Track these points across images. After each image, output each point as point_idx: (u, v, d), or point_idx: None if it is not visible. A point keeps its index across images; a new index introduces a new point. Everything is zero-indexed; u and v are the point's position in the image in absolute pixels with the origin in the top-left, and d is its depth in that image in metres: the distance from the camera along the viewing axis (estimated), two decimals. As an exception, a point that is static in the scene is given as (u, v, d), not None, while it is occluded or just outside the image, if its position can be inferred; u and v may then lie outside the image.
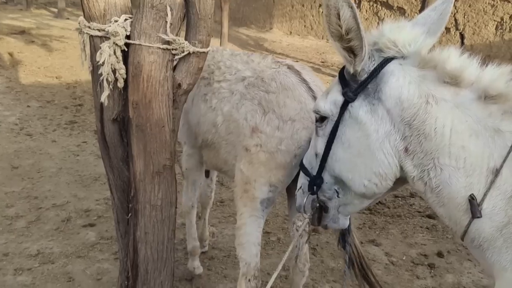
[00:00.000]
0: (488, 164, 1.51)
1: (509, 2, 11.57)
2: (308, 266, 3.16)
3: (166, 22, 2.48)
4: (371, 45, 1.72)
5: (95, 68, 2.62)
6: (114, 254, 3.89)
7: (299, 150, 2.54)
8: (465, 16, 12.28)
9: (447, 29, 12.35)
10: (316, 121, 1.88)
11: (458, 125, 1.55)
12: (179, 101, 2.71)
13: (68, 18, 16.82)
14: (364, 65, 1.68)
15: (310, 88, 2.64)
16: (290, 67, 2.74)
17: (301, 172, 2.05)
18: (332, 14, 1.62)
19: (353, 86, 1.71)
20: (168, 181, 2.73)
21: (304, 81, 2.65)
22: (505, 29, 11.68)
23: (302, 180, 2.04)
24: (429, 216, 4.86)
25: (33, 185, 5.00)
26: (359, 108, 1.70)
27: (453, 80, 1.57)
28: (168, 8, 2.47)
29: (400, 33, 1.66)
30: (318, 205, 1.98)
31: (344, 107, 1.74)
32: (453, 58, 1.58)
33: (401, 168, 1.70)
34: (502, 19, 11.68)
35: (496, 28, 11.74)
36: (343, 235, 2.56)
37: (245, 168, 2.60)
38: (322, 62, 12.55)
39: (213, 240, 4.23)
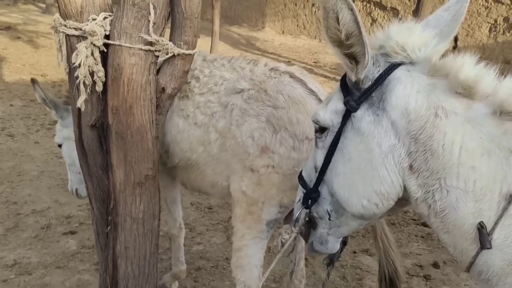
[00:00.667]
0: (500, 188, 1.34)
1: (503, 4, 11.50)
2: (304, 282, 2.99)
3: (149, 21, 2.30)
4: (376, 49, 1.54)
5: (71, 69, 2.43)
6: (95, 265, 3.68)
7: None
8: (459, 18, 12.19)
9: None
10: (316, 131, 1.70)
11: (469, 142, 1.37)
12: (163, 106, 2.53)
13: (56, 14, 16.49)
14: (368, 71, 1.50)
15: (321, 100, 2.42)
16: (291, 75, 2.49)
17: (299, 185, 1.87)
18: (330, 17, 1.44)
19: (356, 95, 1.53)
20: (150, 192, 2.54)
21: (311, 92, 2.43)
22: (499, 31, 11.60)
23: (300, 194, 1.86)
24: (424, 224, 4.71)
25: (12, 189, 4.78)
26: (362, 118, 1.52)
27: (466, 91, 1.39)
28: (151, 6, 2.28)
29: (410, 36, 1.48)
30: (307, 219, 1.79)
31: (345, 117, 1.56)
32: (468, 66, 1.40)
33: (405, 187, 1.52)
34: (495, 21, 11.60)
35: (490, 30, 11.67)
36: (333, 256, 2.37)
37: (250, 190, 2.38)
38: (315, 62, 12.40)
39: (200, 249, 4.05)
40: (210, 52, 10.31)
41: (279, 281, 3.73)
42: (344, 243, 1.95)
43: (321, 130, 1.67)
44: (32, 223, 4.20)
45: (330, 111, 1.62)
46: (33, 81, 3.32)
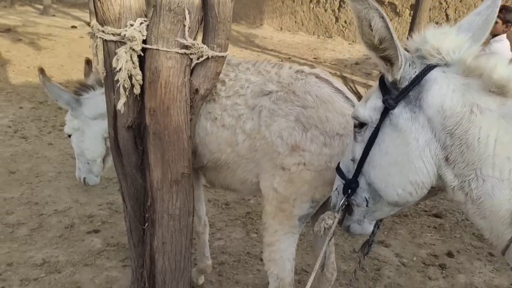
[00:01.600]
0: None
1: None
2: (335, 275, 3.07)
3: (184, 25, 2.40)
4: (413, 51, 1.67)
5: (109, 73, 2.53)
6: (122, 262, 3.79)
7: None
8: (456, 11, 12.34)
9: (438, 24, 12.40)
10: (355, 126, 1.84)
11: (503, 136, 1.50)
12: (196, 106, 2.63)
13: (54, 15, 16.50)
14: (405, 72, 1.64)
15: (347, 98, 2.51)
16: (317, 76, 2.58)
17: (336, 175, 2.00)
18: (364, 25, 1.58)
19: (394, 93, 1.67)
20: (186, 190, 2.65)
21: (338, 90, 2.52)
22: (496, 24, 11.77)
23: (338, 183, 2.00)
24: (436, 215, 4.85)
25: (32, 190, 4.86)
26: (400, 115, 1.66)
27: (499, 90, 1.52)
28: (186, 11, 2.38)
29: (444, 40, 1.60)
30: (346, 203, 1.93)
31: (384, 114, 1.70)
32: (501, 66, 1.53)
33: (440, 177, 1.65)
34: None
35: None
36: (368, 240, 2.50)
37: (282, 187, 2.45)
38: (315, 58, 12.50)
39: (221, 245, 4.16)
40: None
41: (300, 273, 3.85)
42: (377, 226, 2.09)
43: (360, 125, 1.81)
44: (56, 223, 4.29)
45: (369, 108, 1.76)
46: (41, 71, 3.36)
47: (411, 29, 8.81)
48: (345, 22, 14.45)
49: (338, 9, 14.58)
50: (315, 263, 2.04)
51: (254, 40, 14.50)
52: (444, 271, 3.97)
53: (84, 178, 3.59)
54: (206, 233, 3.53)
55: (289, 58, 12.17)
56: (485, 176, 1.52)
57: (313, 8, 15.18)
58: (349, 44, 13.90)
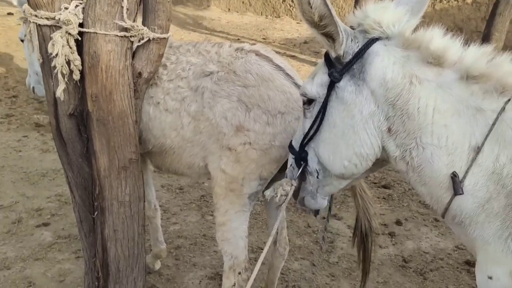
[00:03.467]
0: (470, 142, 1.55)
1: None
2: (288, 249, 3.17)
3: (122, 7, 2.33)
4: (355, 26, 1.71)
5: (45, 60, 2.43)
6: (74, 253, 3.71)
7: None
8: (399, -12, 12.62)
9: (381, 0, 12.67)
10: (304, 103, 1.88)
11: (441, 104, 1.58)
12: (140, 90, 2.58)
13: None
14: (348, 47, 1.68)
15: (288, 75, 2.53)
16: (257, 53, 2.58)
17: (290, 154, 2.04)
18: (303, 2, 1.62)
19: (338, 67, 1.71)
20: (135, 175, 2.61)
21: (278, 67, 2.53)
22: (436, 0, 12.16)
23: (291, 159, 2.05)
24: (385, 187, 5.04)
25: (-26, 186, 4.64)
26: (345, 88, 1.71)
27: (436, 61, 1.59)
28: (124, -8, 2.31)
29: (384, 13, 1.66)
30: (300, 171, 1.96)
31: (330, 88, 1.74)
32: (437, 38, 1.60)
33: (383, 148, 1.72)
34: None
35: (428, -1, 12.17)
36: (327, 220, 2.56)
37: (230, 168, 2.47)
38: (264, 38, 12.49)
39: (177, 229, 4.15)
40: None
41: (256, 251, 3.91)
42: (329, 204, 2.17)
43: (308, 102, 1.85)
44: (2, 219, 4.12)
45: (316, 84, 1.80)
46: None
47: (355, 7, 8.96)
48: (292, 1, 14.47)
49: (285, -12, 14.57)
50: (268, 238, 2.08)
51: (202, 22, 14.27)
52: (393, 239, 4.15)
53: (33, 88, 3.42)
54: (158, 217, 3.51)
55: (238, 39, 12.10)
56: (425, 144, 1.60)
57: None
58: (297, 23, 13.96)
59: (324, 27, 1.66)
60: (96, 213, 2.65)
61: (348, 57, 1.69)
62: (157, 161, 2.92)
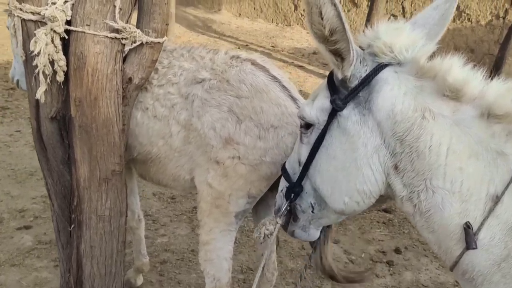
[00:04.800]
0: (488, 189, 1.35)
1: (453, -8, 11.83)
2: (276, 274, 2.97)
3: (115, 6, 2.15)
4: (364, 47, 1.52)
5: (28, 57, 2.24)
6: (54, 261, 3.51)
7: (285, 158, 2.26)
8: (412, 4, 12.46)
9: (394, 16, 12.50)
10: (301, 127, 1.69)
11: (456, 144, 1.38)
12: (130, 97, 2.39)
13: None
14: (356, 70, 1.48)
15: (284, 87, 2.37)
16: (253, 63, 2.42)
17: (282, 176, 1.86)
18: (314, 12, 1.41)
19: (343, 93, 1.51)
20: (117, 188, 2.41)
21: (275, 78, 2.37)
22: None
23: (283, 185, 1.86)
24: (385, 211, 4.82)
25: (-43, 181, 4.46)
26: (348, 118, 1.51)
27: (453, 94, 1.39)
28: (117, -10, 2.12)
29: (398, 36, 1.46)
30: (288, 208, 1.80)
31: (332, 116, 1.55)
32: (456, 68, 1.40)
33: (389, 186, 1.52)
34: (447, 9, 11.93)
35: (442, 18, 11.99)
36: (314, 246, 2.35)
37: (216, 182, 2.30)
38: (273, 46, 12.32)
39: (164, 242, 3.94)
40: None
41: (246, 271, 3.70)
42: (323, 232, 1.96)
43: (306, 126, 1.66)
44: (-18, 218, 3.93)
45: (316, 109, 1.60)
46: None
47: (367, 21, 8.78)
48: (304, 11, 14.33)
49: (297, -3, 14.43)
50: (258, 265, 1.91)
51: (212, 26, 14.13)
52: (391, 268, 3.93)
53: (18, 80, 3.21)
54: (141, 228, 3.32)
55: (247, 45, 11.94)
56: (435, 188, 1.40)
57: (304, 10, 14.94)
58: (308, 33, 13.79)
59: (334, 43, 1.45)
60: (72, 226, 2.46)
61: (354, 82, 1.49)
62: (141, 169, 2.75)
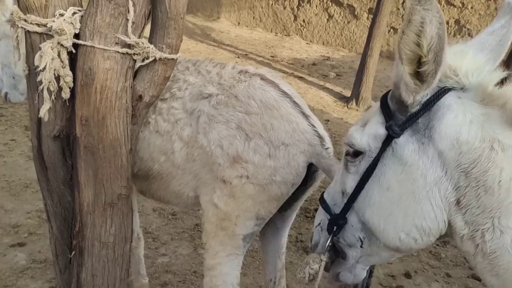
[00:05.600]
0: None
1: (454, 6, 11.83)
2: None
3: (127, 20, 2.00)
4: None
5: (32, 72, 2.08)
6: (49, 282, 3.33)
7: (297, 178, 2.19)
8: (413, 18, 12.42)
9: (395, 30, 12.45)
10: (347, 154, 1.55)
11: None
12: (139, 116, 2.24)
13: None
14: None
15: (295, 103, 2.27)
16: (263, 78, 2.32)
17: (320, 207, 1.72)
18: (413, 29, 1.26)
19: (400, 119, 1.39)
20: (123, 213, 2.25)
21: (285, 94, 2.27)
22: (450, 33, 11.94)
23: (321, 217, 1.71)
24: (393, 231, 4.68)
25: None
26: (405, 146, 1.38)
27: None
28: (131, 3, 1.98)
29: (462, 59, 1.34)
30: (330, 244, 1.64)
31: (386, 143, 1.42)
32: None
33: (449, 223, 1.38)
34: (447, 23, 11.92)
35: (442, 32, 11.97)
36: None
37: (223, 203, 2.18)
38: (272, 56, 12.20)
39: (165, 262, 3.76)
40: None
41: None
42: (370, 271, 1.81)
43: (354, 154, 1.52)
44: (-27, 234, 3.74)
45: (368, 135, 1.47)
46: None
47: (370, 35, 8.68)
48: (303, 21, 14.25)
49: (297, 7, 14.36)
50: None
51: (211, 34, 14.01)
52: (401, 294, 3.78)
53: (6, 93, 3.02)
54: (141, 247, 3.15)
55: (246, 54, 11.83)
56: (504, 227, 1.26)
57: (272, 4, 14.87)
58: (307, 43, 13.71)
59: (422, 65, 1.30)
60: (73, 252, 2.28)
61: (415, 107, 1.36)
62: (142, 186, 2.62)
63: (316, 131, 2.22)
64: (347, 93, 9.13)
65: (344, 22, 13.28)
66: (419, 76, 1.33)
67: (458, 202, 1.32)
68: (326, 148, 2.21)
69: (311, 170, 2.28)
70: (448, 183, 1.32)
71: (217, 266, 2.30)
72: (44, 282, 3.33)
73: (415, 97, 1.35)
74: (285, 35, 14.53)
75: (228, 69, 2.40)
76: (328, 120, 7.69)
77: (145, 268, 3.51)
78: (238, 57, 11.10)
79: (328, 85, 9.78)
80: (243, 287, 3.59)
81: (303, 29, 14.35)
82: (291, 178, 2.15)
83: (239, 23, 15.60)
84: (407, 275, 4.00)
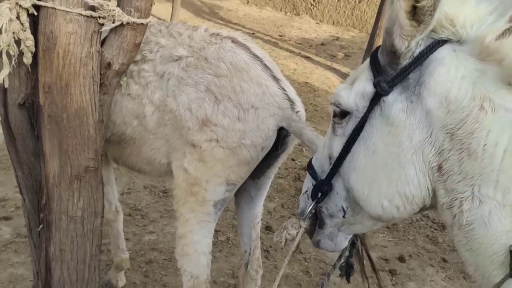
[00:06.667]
0: None
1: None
2: (261, 273, 2.78)
3: (91, -20, 1.87)
4: None
5: (-7, 35, 1.97)
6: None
7: (266, 142, 2.15)
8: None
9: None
10: (334, 116, 1.44)
11: None
12: (109, 84, 2.12)
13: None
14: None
15: (266, 66, 2.23)
16: (234, 41, 2.27)
17: (307, 174, 1.63)
18: None
19: (390, 74, 1.26)
20: (91, 187, 2.16)
21: (256, 57, 2.22)
22: None
23: (308, 184, 1.62)
24: (390, 214, 4.56)
25: None
26: (393, 104, 1.26)
27: None
28: (94, -39, 1.85)
29: (462, 8, 1.19)
30: (314, 211, 1.57)
31: (374, 102, 1.30)
32: None
33: (433, 192, 1.26)
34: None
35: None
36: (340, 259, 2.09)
37: (192, 167, 2.14)
38: (280, 35, 11.97)
39: (152, 240, 3.70)
40: (171, 20, 9.70)
41: (237, 276, 3.45)
42: (353, 242, 1.71)
43: (341, 114, 1.40)
44: (-41, 207, 3.70)
45: (356, 93, 1.35)
46: None
47: (379, 13, 8.42)
48: (314, 0, 13.95)
49: (308, -14, 14.04)
50: (276, 277, 1.68)
51: (219, 12, 13.78)
52: (394, 278, 3.67)
53: None
54: (119, 221, 3.08)
55: (253, 33, 11.61)
56: (484, 197, 1.14)
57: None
58: (316, 23, 13.43)
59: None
60: (41, 226, 2.21)
61: (405, 61, 1.23)
62: (115, 152, 2.57)
63: (286, 94, 2.18)
64: (354, 74, 8.93)
65: (355, 1, 12.94)
66: (415, 16, 1.17)
67: (440, 167, 1.20)
68: (297, 112, 2.18)
69: (282, 135, 2.24)
70: (431, 146, 1.20)
71: (188, 234, 2.28)
72: (27, 256, 3.28)
73: (409, 42, 1.21)
74: (294, 14, 14.24)
75: (200, 31, 2.35)
76: (332, 101, 7.52)
77: (132, 245, 3.45)
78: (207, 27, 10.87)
79: (335, 65, 9.56)
80: (231, 266, 3.52)
81: (313, 8, 14.05)
82: (260, 142, 2.12)
83: (248, 2, 15.33)
84: (401, 259, 3.89)
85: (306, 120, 2.36)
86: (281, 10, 14.58)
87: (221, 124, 2.10)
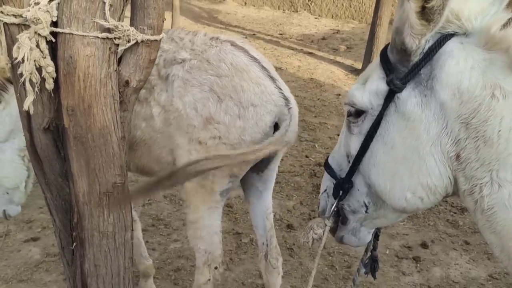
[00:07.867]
0: None
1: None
2: (281, 260, 2.87)
3: (104, 3, 1.93)
4: None
5: (14, 65, 2.04)
6: (63, 274, 3.35)
7: (265, 137, 2.31)
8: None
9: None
10: (349, 115, 1.50)
11: None
12: (128, 102, 2.19)
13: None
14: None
15: (263, 67, 2.40)
16: (233, 44, 2.45)
17: (325, 173, 1.69)
18: None
19: (401, 72, 1.33)
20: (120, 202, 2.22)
21: (254, 59, 2.40)
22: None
23: (327, 183, 1.68)
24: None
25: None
26: (408, 100, 1.32)
27: None
28: (106, -15, 1.91)
29: (466, 1, 1.26)
30: (336, 209, 1.63)
31: (388, 99, 1.36)
32: None
33: (454, 180, 1.32)
34: None
35: None
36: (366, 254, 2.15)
37: None
38: (280, 34, 12.02)
39: (178, 247, 3.77)
40: (171, 28, 9.78)
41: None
42: (376, 235, 1.78)
43: (356, 114, 1.46)
44: (-12, 231, 3.79)
45: (369, 92, 1.41)
46: None
47: (377, 3, 8.42)
48: (311, -5, 13.96)
49: (303, -18, 14.06)
50: (309, 279, 1.76)
51: (217, 16, 13.86)
52: (418, 265, 3.71)
53: (4, 211, 3.07)
54: (138, 229, 3.19)
55: (254, 34, 11.67)
56: (502, 181, 1.20)
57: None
58: (316, 18, 13.46)
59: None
60: (74, 244, 2.28)
61: (417, 58, 1.29)
62: (127, 156, 2.65)
63: (282, 93, 2.35)
64: (358, 65, 8.94)
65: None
66: (424, 15, 1.24)
67: (457, 156, 1.26)
68: (289, 108, 2.35)
69: (277, 130, 2.37)
70: (447, 137, 1.26)
71: (200, 220, 2.48)
72: (58, 274, 3.37)
73: (420, 40, 1.27)
74: (293, 11, 14.28)
75: (200, 36, 2.53)
76: (339, 94, 7.55)
77: (158, 255, 3.52)
78: (246, 37, 10.95)
79: (338, 58, 9.59)
80: (246, 274, 3.57)
81: (311, 3, 14.08)
82: (259, 138, 2.28)
83: (245, 3, 15.39)
84: (424, 245, 3.93)
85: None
86: (279, 9, 14.63)
87: (223, 122, 2.28)
